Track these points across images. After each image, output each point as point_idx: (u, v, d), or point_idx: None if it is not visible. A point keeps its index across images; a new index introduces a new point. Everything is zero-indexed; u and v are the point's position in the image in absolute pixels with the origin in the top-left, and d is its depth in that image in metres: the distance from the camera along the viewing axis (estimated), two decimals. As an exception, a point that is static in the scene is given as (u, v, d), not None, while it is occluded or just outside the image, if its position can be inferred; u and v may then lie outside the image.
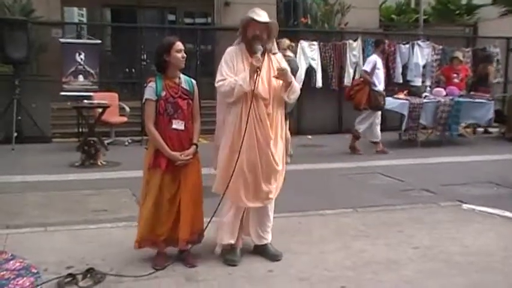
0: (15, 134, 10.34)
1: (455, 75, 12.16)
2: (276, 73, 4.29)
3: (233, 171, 4.17)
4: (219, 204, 4.28)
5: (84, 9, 14.86)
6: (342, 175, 8.23)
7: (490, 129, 13.17)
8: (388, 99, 10.51)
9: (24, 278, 3.83)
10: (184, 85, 4.32)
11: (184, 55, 4.26)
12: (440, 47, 14.24)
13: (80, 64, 11.43)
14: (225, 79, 4.24)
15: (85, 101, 10.51)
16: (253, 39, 4.27)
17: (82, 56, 11.43)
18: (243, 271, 4.17)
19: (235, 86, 4.16)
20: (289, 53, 8.66)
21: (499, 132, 12.87)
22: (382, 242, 4.90)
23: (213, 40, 14.53)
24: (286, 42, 8.81)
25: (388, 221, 5.58)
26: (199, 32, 13.56)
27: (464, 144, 11.59)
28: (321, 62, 13.09)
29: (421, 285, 3.94)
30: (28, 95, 10.78)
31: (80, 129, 11.08)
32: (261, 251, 4.49)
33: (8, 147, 10.09)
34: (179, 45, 4.22)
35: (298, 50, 12.76)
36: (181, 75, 4.36)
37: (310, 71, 12.97)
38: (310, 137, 12.49)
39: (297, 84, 4.44)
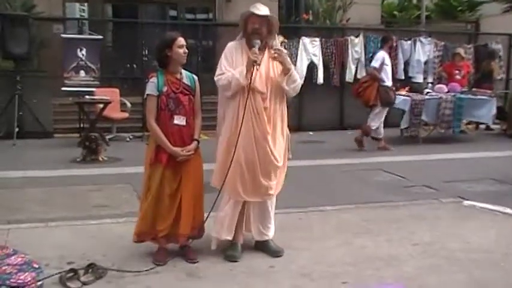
0: (17, 130, 10.35)
1: (457, 71, 12.14)
2: (277, 70, 4.29)
3: (230, 165, 4.17)
4: (216, 199, 4.28)
5: (86, 4, 14.82)
6: (343, 171, 8.23)
7: (492, 126, 13.15)
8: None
9: (26, 273, 3.83)
10: (185, 81, 4.32)
11: (186, 51, 4.26)
12: (442, 43, 14.20)
13: (82, 60, 11.42)
14: (223, 73, 4.26)
15: (86, 96, 10.51)
16: (252, 33, 4.27)
17: (83, 52, 11.41)
18: (244, 267, 4.18)
19: (233, 79, 4.18)
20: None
21: (501, 129, 12.85)
22: (383, 238, 4.90)
23: (214, 36, 14.50)
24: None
25: (389, 217, 5.58)
26: (200, 27, 13.57)
27: (466, 140, 11.58)
28: (323, 58, 13.06)
29: (421, 282, 3.94)
30: (29, 91, 10.78)
31: (81, 125, 11.08)
32: (262, 247, 4.50)
33: (10, 143, 10.09)
34: (181, 40, 4.22)
35: (300, 46, 12.76)
36: (183, 71, 4.36)
37: (311, 67, 12.95)
38: (311, 133, 12.49)
39: (297, 74, 4.43)
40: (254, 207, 4.46)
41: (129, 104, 11.45)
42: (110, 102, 10.40)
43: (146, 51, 13.10)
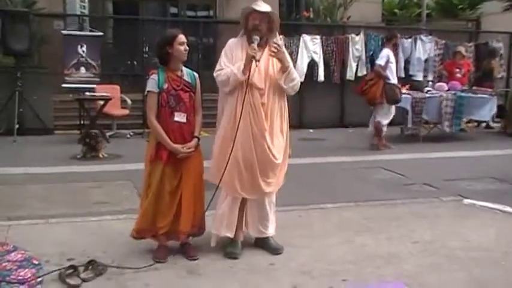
0: (17, 126, 10.36)
1: (457, 70, 12.14)
2: (277, 67, 4.29)
3: (227, 162, 4.17)
4: (213, 195, 4.27)
5: (86, 1, 14.78)
6: (343, 169, 8.23)
7: (492, 125, 13.14)
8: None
9: (26, 270, 3.84)
10: (186, 78, 4.32)
11: (187, 48, 4.26)
12: (443, 41, 14.20)
13: (82, 56, 11.42)
14: (222, 69, 4.27)
15: (87, 93, 10.52)
16: (253, 29, 4.27)
17: (84, 48, 11.41)
18: (244, 264, 4.18)
19: (231, 75, 4.19)
20: None
21: (501, 127, 12.85)
22: (384, 236, 4.90)
23: (215, 33, 14.50)
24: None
25: (390, 215, 5.58)
26: (201, 24, 13.56)
27: (466, 139, 11.58)
28: (323, 56, 13.06)
29: (422, 280, 3.94)
30: (30, 87, 10.79)
31: (82, 122, 11.08)
32: (262, 244, 4.50)
33: (10, 139, 10.10)
34: (182, 37, 4.22)
35: (301, 43, 12.76)
36: (184, 68, 4.36)
37: (312, 65, 12.95)
38: (311, 130, 12.49)
39: (296, 73, 4.43)
40: (252, 205, 4.45)
41: (129, 101, 11.45)
42: (110, 99, 10.41)
43: (147, 48, 13.10)
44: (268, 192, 4.40)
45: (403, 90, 11.05)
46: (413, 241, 4.77)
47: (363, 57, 13.37)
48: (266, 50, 4.33)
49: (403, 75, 13.54)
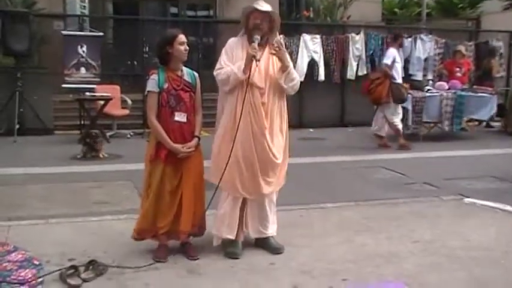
0: (17, 126, 10.36)
1: (457, 69, 12.14)
2: (277, 67, 4.29)
3: (228, 161, 4.17)
4: (213, 195, 4.27)
5: (86, 1, 14.79)
6: (343, 168, 8.23)
7: (492, 124, 13.14)
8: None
9: (27, 270, 3.84)
10: (186, 77, 4.32)
11: (187, 48, 4.26)
12: (443, 40, 14.19)
13: (82, 56, 11.42)
14: (222, 68, 4.27)
15: (87, 93, 10.52)
16: (253, 28, 4.27)
17: (84, 49, 11.41)
18: (245, 264, 4.18)
19: (231, 74, 4.19)
20: None
21: (501, 126, 12.84)
22: (384, 235, 4.90)
23: (215, 33, 14.50)
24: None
25: (390, 215, 5.58)
26: (201, 24, 13.56)
27: (466, 138, 11.58)
28: (323, 55, 13.05)
29: (422, 279, 3.94)
30: (30, 87, 10.79)
31: (82, 122, 11.08)
32: (263, 244, 4.49)
33: (10, 139, 10.10)
34: (182, 37, 4.22)
35: (301, 43, 12.76)
36: (184, 68, 4.36)
37: (312, 64, 12.94)
38: (312, 130, 12.50)
39: (296, 73, 4.43)
40: (252, 206, 4.44)
41: (129, 101, 11.45)
42: (110, 99, 10.42)
43: (147, 48, 13.10)
44: (269, 193, 4.40)
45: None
46: (413, 240, 4.77)
47: (363, 56, 13.37)
48: (266, 49, 4.33)
49: (402, 74, 13.53)
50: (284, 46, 4.42)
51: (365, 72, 13.31)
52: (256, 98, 4.23)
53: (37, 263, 3.99)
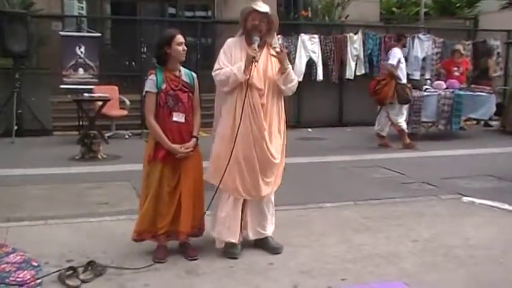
0: (16, 127, 10.34)
1: (455, 68, 12.15)
2: (275, 68, 4.29)
3: (228, 162, 4.17)
4: (213, 196, 4.27)
5: (84, 2, 14.80)
6: (342, 168, 8.23)
7: (491, 123, 13.15)
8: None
9: (25, 271, 3.84)
10: (184, 78, 4.32)
11: (185, 48, 4.26)
12: (441, 40, 14.20)
13: (80, 57, 11.44)
14: (221, 68, 4.26)
15: (85, 94, 10.52)
16: (252, 29, 4.27)
17: (82, 49, 11.43)
18: (244, 264, 4.18)
19: (230, 75, 4.18)
20: None
21: (499, 126, 12.85)
22: (383, 235, 4.90)
23: (213, 33, 14.51)
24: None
25: (389, 214, 5.58)
26: (199, 25, 13.55)
27: (465, 137, 11.59)
28: (322, 55, 13.05)
29: (421, 279, 3.94)
30: (28, 88, 10.78)
31: (80, 123, 11.08)
32: (262, 244, 4.49)
33: (8, 141, 10.10)
34: (180, 38, 4.22)
35: (299, 43, 12.76)
36: (182, 68, 4.36)
37: (310, 64, 12.95)
38: (310, 130, 12.50)
39: (294, 74, 4.43)
40: (252, 207, 4.44)
41: (128, 102, 11.44)
42: (108, 100, 10.41)
43: (145, 49, 13.10)
44: (267, 194, 4.40)
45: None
46: (412, 240, 4.77)
47: (361, 56, 13.37)
48: (265, 50, 4.34)
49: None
50: (284, 47, 4.42)
51: (363, 71, 13.32)
52: (255, 99, 4.23)
53: (35, 264, 3.98)
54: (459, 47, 12.68)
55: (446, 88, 11.30)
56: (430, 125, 11.49)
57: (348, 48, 13.25)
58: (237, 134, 4.16)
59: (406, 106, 10.11)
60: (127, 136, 11.28)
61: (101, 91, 10.79)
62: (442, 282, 3.91)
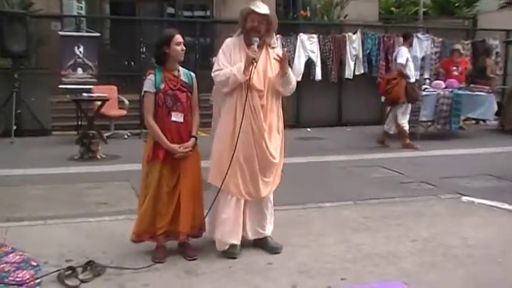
0: (15, 127, 10.34)
1: (454, 68, 12.15)
2: (275, 69, 4.30)
3: (230, 163, 4.17)
4: (215, 198, 4.27)
5: (83, 2, 14.79)
6: (341, 168, 8.23)
7: (490, 122, 13.15)
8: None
9: (24, 271, 3.84)
10: (183, 78, 4.32)
11: (184, 48, 4.26)
12: (440, 39, 14.20)
13: (79, 57, 11.43)
14: (221, 69, 4.26)
15: (84, 94, 10.51)
16: (251, 30, 4.28)
17: (81, 49, 11.42)
18: (243, 264, 4.18)
19: (230, 76, 4.18)
20: None
21: (498, 125, 12.86)
22: (382, 234, 4.90)
23: (212, 33, 14.50)
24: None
25: (388, 214, 5.58)
26: (198, 25, 13.55)
27: (464, 137, 11.60)
28: (321, 54, 13.05)
29: (420, 278, 3.94)
30: (27, 88, 10.77)
31: (79, 122, 11.07)
32: (261, 244, 4.49)
33: (7, 141, 10.09)
34: (179, 37, 4.22)
35: (298, 42, 12.75)
36: (181, 68, 4.36)
37: (309, 64, 12.94)
38: (309, 129, 12.50)
39: (293, 76, 4.44)
40: (252, 207, 4.44)
41: (126, 102, 11.44)
42: (107, 100, 10.41)
43: (144, 49, 13.10)
44: (266, 195, 4.40)
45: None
46: (411, 239, 4.77)
47: (360, 55, 13.37)
48: (264, 51, 4.34)
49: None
50: (284, 48, 4.43)
51: (362, 71, 13.33)
52: (255, 100, 4.23)
53: (35, 264, 3.98)
54: (458, 46, 12.67)
55: (445, 88, 11.30)
56: (429, 125, 11.49)
57: (347, 48, 13.25)
58: (238, 136, 4.17)
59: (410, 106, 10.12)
60: (126, 136, 11.27)
61: (100, 91, 10.78)
62: (441, 281, 3.91)
